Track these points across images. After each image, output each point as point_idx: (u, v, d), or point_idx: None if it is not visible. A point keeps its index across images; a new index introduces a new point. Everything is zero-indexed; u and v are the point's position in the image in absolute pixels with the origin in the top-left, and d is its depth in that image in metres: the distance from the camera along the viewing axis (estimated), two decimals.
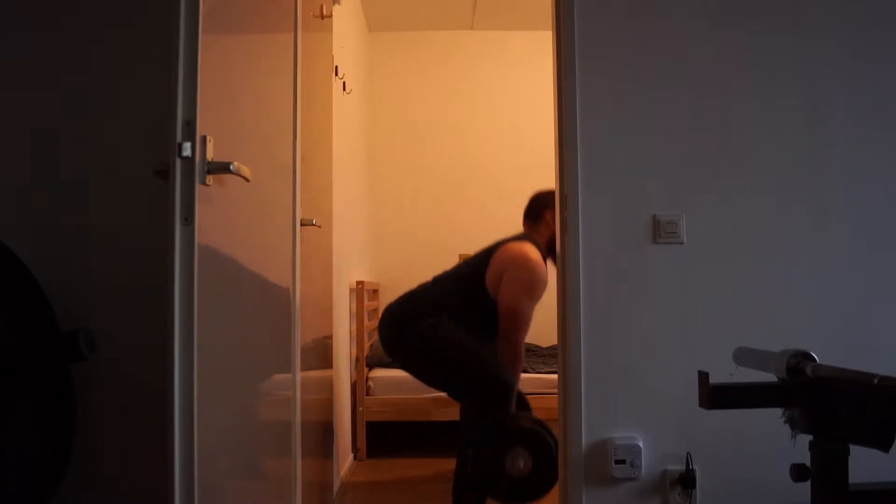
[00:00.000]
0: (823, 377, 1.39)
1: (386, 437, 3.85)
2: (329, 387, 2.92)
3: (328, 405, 2.87)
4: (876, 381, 1.24)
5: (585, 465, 2.29)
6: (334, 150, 3.25)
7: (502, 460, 2.86)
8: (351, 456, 3.66)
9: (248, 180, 1.49)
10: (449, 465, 3.50)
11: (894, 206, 2.35)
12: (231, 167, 1.36)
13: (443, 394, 3.70)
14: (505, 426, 2.90)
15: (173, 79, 1.29)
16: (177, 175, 1.28)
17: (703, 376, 1.50)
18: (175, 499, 1.24)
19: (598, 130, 2.33)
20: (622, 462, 2.27)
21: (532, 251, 3.05)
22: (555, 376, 3.37)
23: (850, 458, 1.40)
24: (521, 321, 3.00)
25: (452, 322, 2.98)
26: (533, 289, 3.00)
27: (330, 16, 2.94)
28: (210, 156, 1.33)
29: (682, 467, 2.27)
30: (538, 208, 3.21)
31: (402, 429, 3.95)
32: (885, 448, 1.31)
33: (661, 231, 2.32)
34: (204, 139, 1.31)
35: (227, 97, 1.55)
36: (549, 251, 3.09)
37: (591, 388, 2.29)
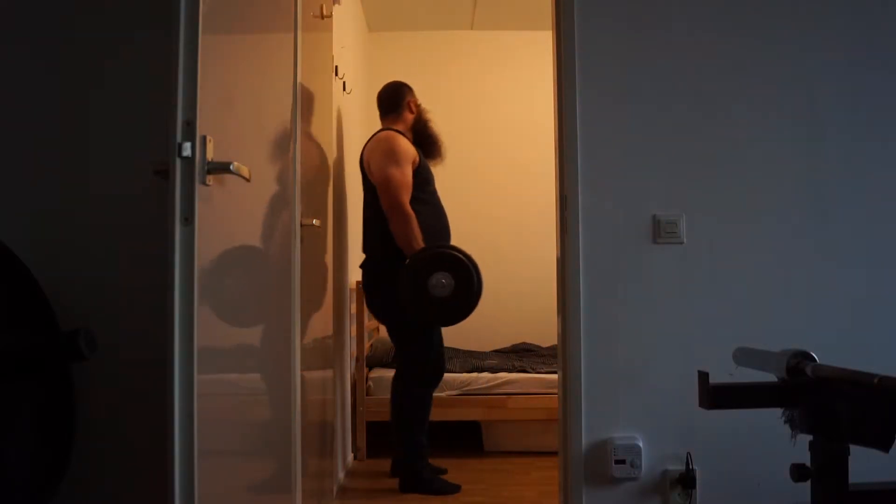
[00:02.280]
0: (823, 377, 1.39)
1: (386, 437, 3.85)
2: (329, 387, 2.92)
3: (328, 405, 2.87)
4: (876, 381, 1.24)
5: (585, 465, 2.29)
6: (334, 151, 3.25)
7: (426, 281, 3.02)
8: (351, 456, 3.66)
9: (248, 180, 1.49)
10: (449, 464, 3.51)
11: (894, 206, 2.35)
12: (231, 167, 1.36)
13: (443, 394, 3.71)
14: (427, 256, 3.07)
15: (173, 79, 1.29)
16: (177, 175, 1.28)
17: (703, 376, 1.50)
18: (175, 499, 1.24)
19: (597, 130, 2.33)
20: (622, 462, 2.27)
21: (382, 133, 3.31)
22: (555, 376, 3.37)
23: (850, 458, 1.40)
24: (393, 184, 3.13)
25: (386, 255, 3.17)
26: (392, 153, 3.20)
27: (330, 16, 2.94)
28: (210, 156, 1.33)
29: (682, 467, 2.27)
30: (395, 99, 3.43)
31: None
32: (885, 448, 1.31)
33: (661, 231, 2.32)
34: (204, 139, 1.31)
35: (227, 97, 1.55)
36: (416, 135, 3.37)
37: (591, 388, 2.29)
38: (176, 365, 1.26)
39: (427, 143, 3.41)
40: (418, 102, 3.47)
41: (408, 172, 3.19)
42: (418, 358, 3.24)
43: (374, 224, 3.24)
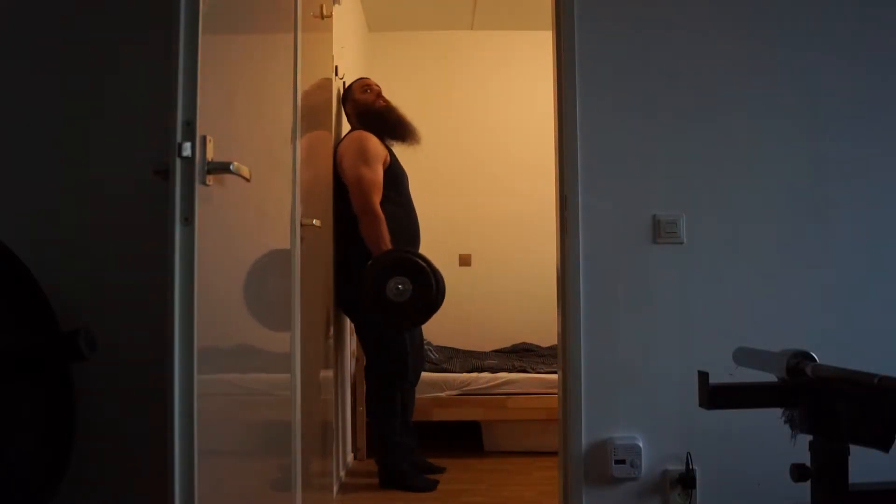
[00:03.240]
0: (823, 377, 1.39)
1: None
2: (329, 387, 2.92)
3: (328, 405, 2.87)
4: (876, 381, 1.24)
5: (585, 465, 2.29)
6: (335, 150, 3.25)
7: (384, 285, 3.02)
8: (351, 456, 3.66)
9: (248, 180, 1.49)
10: (449, 464, 3.50)
11: (894, 206, 2.35)
12: (231, 167, 1.36)
13: (443, 394, 3.72)
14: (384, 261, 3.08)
15: (173, 79, 1.29)
16: (177, 175, 1.28)
17: (703, 376, 1.50)
18: (175, 499, 1.24)
19: (597, 130, 2.33)
20: (622, 462, 2.27)
21: (353, 132, 3.33)
22: (555, 376, 3.37)
23: (850, 458, 1.40)
24: (364, 185, 3.15)
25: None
26: (363, 152, 3.21)
27: (330, 16, 2.94)
28: (210, 156, 1.33)
29: (682, 467, 2.27)
30: (343, 107, 3.50)
31: None
32: (885, 448, 1.30)
33: (661, 231, 2.32)
34: (204, 139, 1.31)
35: (227, 97, 1.55)
36: (368, 129, 3.32)
37: (591, 388, 2.29)
38: (176, 365, 1.26)
39: (386, 128, 3.35)
40: (358, 97, 3.39)
41: (379, 172, 3.20)
42: (384, 359, 3.26)
43: (344, 224, 3.22)
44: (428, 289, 3.06)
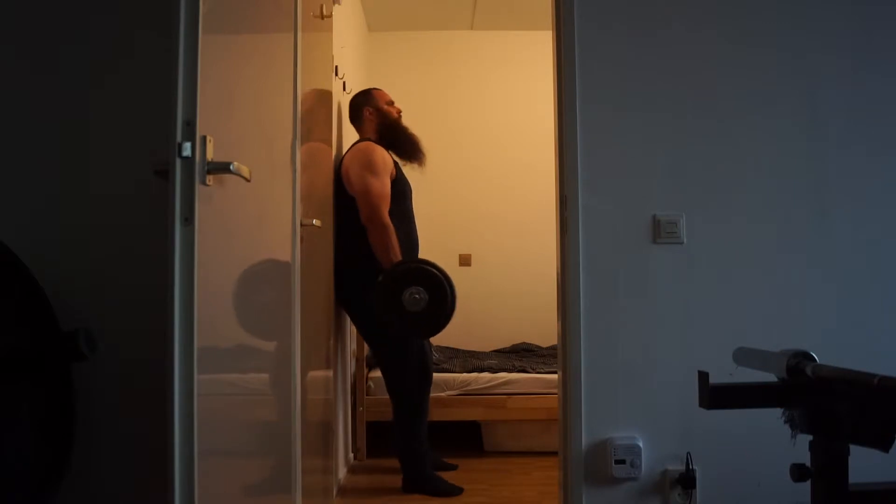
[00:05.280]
0: (823, 377, 1.39)
1: (386, 437, 3.85)
2: (329, 387, 2.92)
3: (328, 405, 2.87)
4: (876, 381, 1.24)
5: (585, 465, 2.29)
6: (334, 151, 3.25)
7: (400, 296, 3.04)
8: (351, 456, 3.66)
9: (248, 180, 1.49)
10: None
11: (894, 206, 2.35)
12: (231, 167, 1.36)
13: (443, 394, 3.72)
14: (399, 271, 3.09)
15: (173, 79, 1.29)
16: (177, 175, 1.28)
17: (703, 376, 1.50)
18: (175, 499, 1.24)
19: (597, 130, 2.33)
20: (622, 462, 2.27)
21: (360, 143, 3.33)
22: (555, 376, 3.37)
23: (850, 458, 1.40)
24: (372, 195, 3.15)
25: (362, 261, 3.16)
26: (371, 164, 3.22)
27: (330, 16, 2.94)
28: (210, 156, 1.33)
29: (682, 467, 2.27)
30: (355, 109, 3.47)
31: None
32: (885, 448, 1.31)
33: (661, 231, 2.32)
34: (204, 139, 1.31)
35: (227, 97, 1.55)
36: (382, 140, 3.36)
37: (591, 388, 2.29)
38: (176, 365, 1.25)
39: (402, 145, 3.40)
40: (382, 106, 3.42)
41: (387, 184, 3.22)
42: (398, 368, 3.26)
43: (349, 234, 3.20)
44: (444, 299, 3.08)
